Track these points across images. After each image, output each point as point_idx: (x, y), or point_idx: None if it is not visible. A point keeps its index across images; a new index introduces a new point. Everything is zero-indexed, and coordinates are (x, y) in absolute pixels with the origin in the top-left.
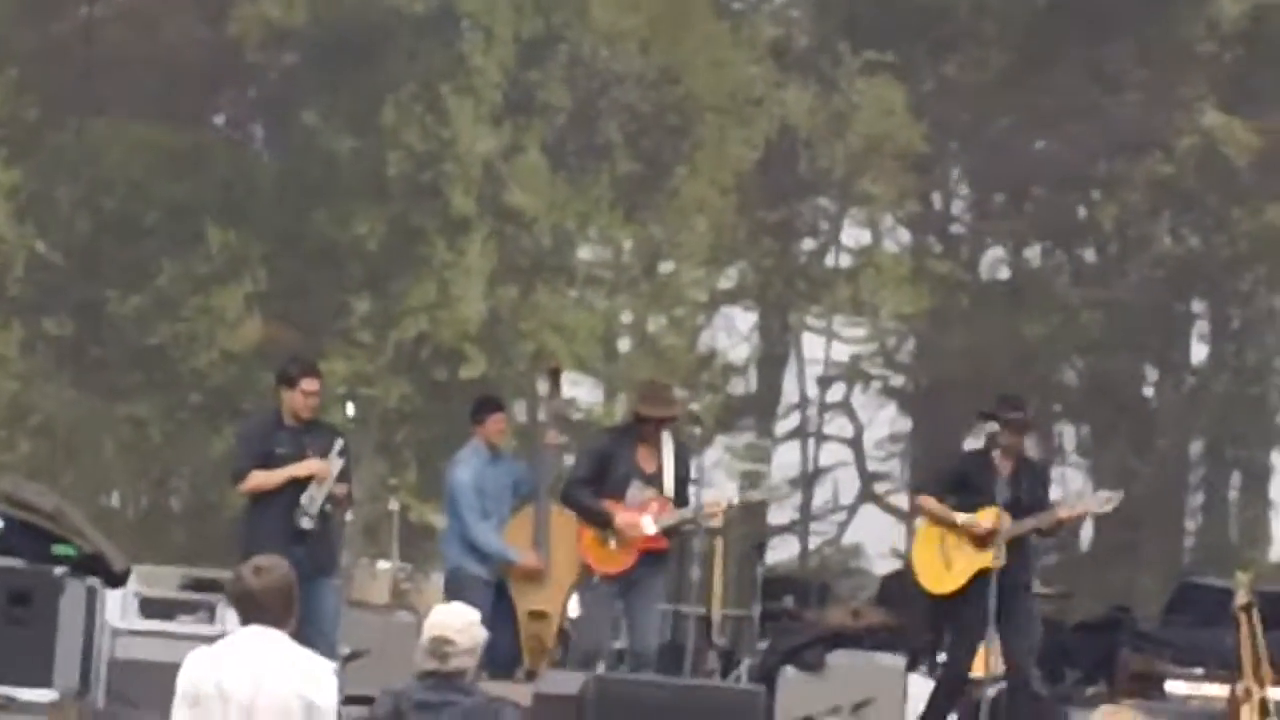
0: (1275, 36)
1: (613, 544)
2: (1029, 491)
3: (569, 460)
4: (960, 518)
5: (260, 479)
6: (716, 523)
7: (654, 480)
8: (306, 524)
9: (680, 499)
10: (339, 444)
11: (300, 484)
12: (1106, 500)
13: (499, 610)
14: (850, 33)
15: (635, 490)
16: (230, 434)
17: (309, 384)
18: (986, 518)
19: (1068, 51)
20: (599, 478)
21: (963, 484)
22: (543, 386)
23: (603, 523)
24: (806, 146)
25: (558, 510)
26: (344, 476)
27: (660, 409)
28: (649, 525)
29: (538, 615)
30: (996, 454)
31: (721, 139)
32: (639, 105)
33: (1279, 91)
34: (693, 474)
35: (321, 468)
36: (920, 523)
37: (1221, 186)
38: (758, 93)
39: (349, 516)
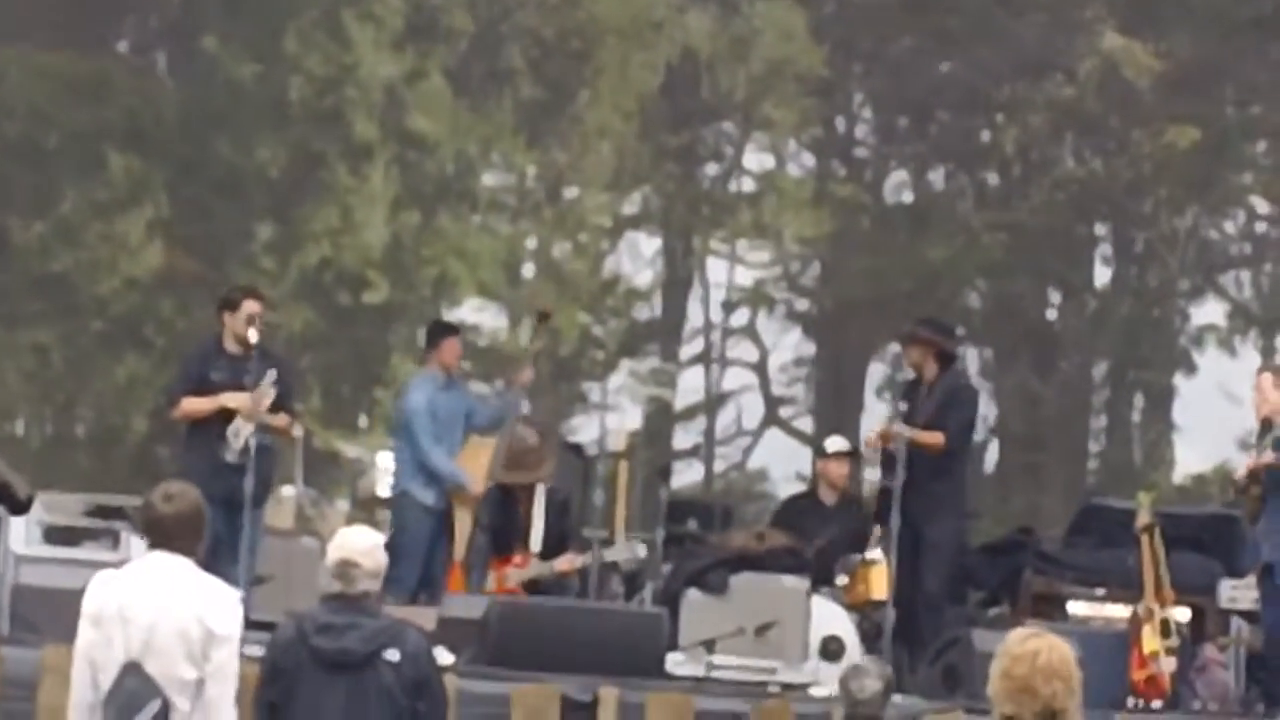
0: None
1: None
2: (923, 409)
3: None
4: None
5: (190, 406)
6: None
7: (524, 535)
8: (230, 458)
9: (549, 551)
10: (271, 375)
11: (232, 414)
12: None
13: (442, 535)
14: None
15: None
16: (133, 360)
17: (251, 305)
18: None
19: None
20: (492, 546)
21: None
22: (529, 327)
23: None
24: (708, 71)
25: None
26: (284, 406)
27: (515, 476)
28: (513, 578)
29: None
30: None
31: (624, 63)
32: (541, 30)
33: (1179, 14)
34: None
35: (246, 402)
36: None
37: (1123, 109)
38: (659, 16)
39: (299, 433)
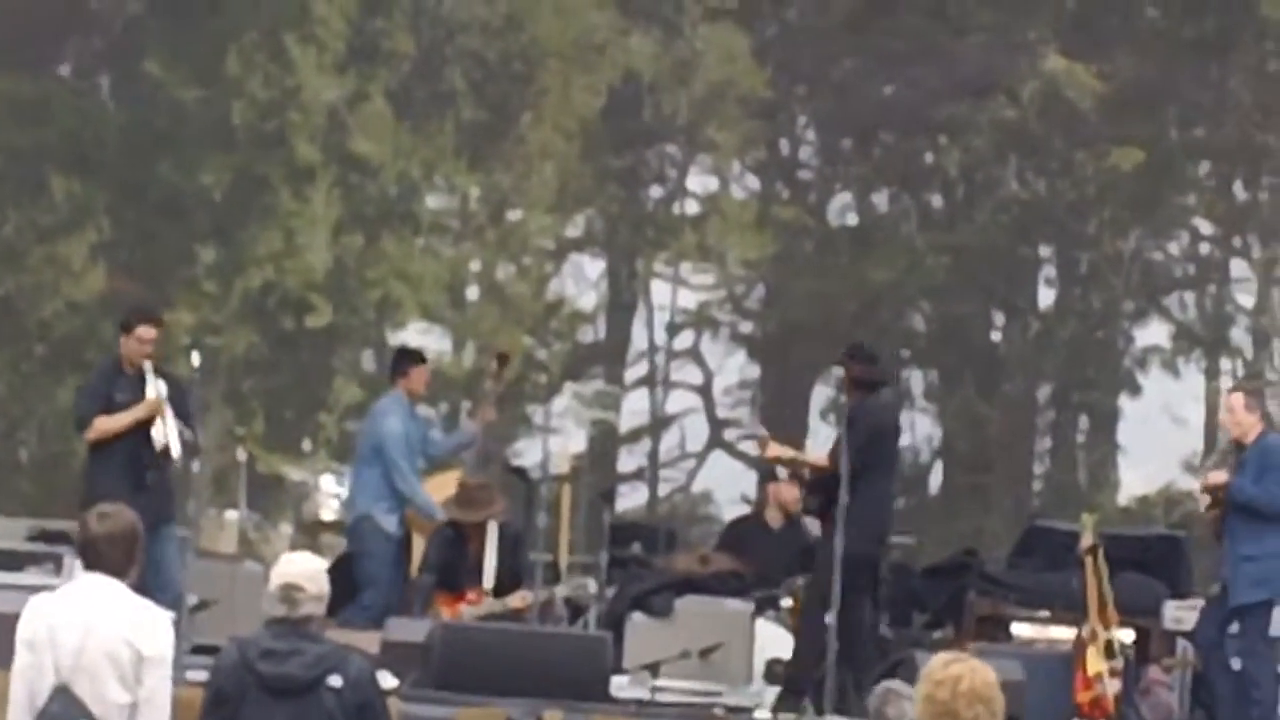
0: None
1: None
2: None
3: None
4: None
5: (104, 424)
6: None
7: (477, 572)
8: (177, 451)
9: (502, 586)
10: (160, 384)
11: (142, 432)
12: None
13: (398, 563)
14: None
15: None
16: (75, 384)
17: (145, 331)
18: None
19: None
20: (443, 585)
21: None
22: (491, 368)
23: None
24: (651, 93)
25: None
26: (186, 423)
27: (466, 514)
28: (466, 615)
29: None
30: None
31: (566, 86)
32: (483, 52)
33: (1122, 35)
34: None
35: (152, 403)
36: None
37: (1066, 130)
38: (601, 39)
39: (196, 466)
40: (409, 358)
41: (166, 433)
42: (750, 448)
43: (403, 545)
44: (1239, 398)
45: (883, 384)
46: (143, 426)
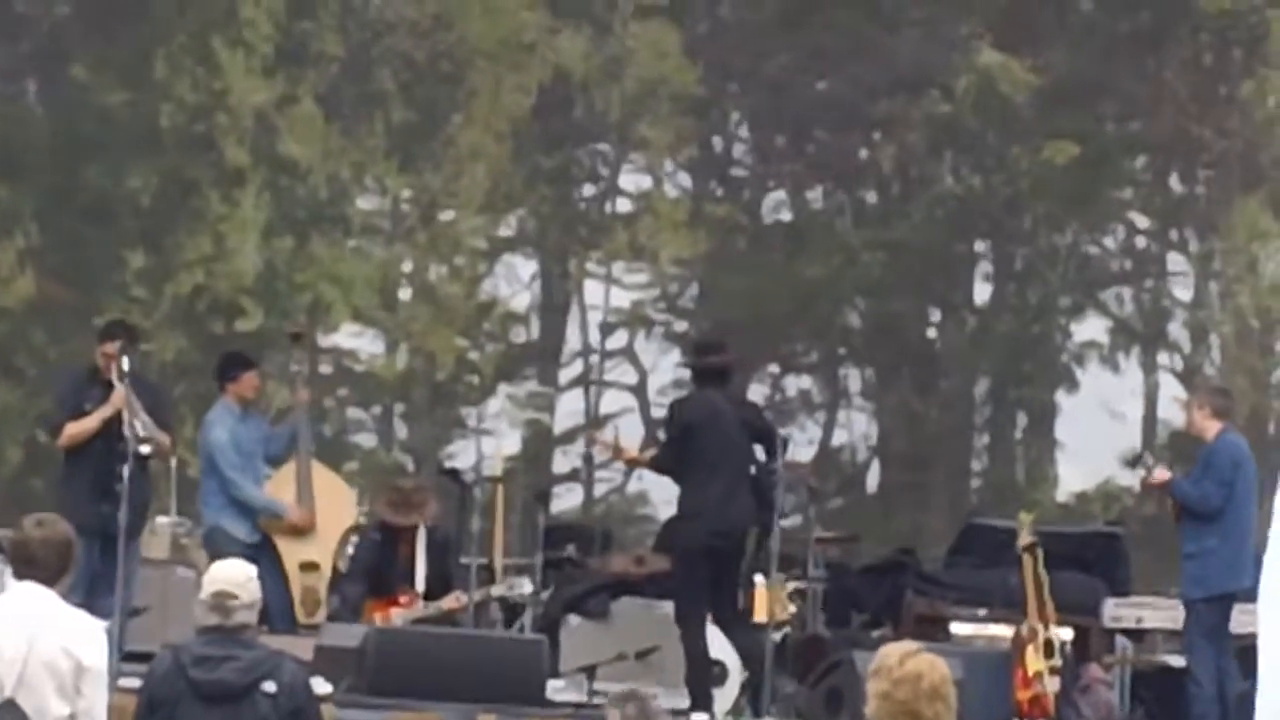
0: None
1: None
2: None
3: (352, 413)
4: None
5: (74, 429)
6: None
7: (408, 575)
8: (146, 450)
9: (433, 590)
10: (125, 362)
11: (113, 446)
12: None
13: (266, 568)
14: None
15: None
16: (5, 391)
17: (108, 347)
18: None
19: None
20: (372, 590)
21: None
22: (288, 350)
23: None
24: (582, 91)
25: (317, 463)
26: (166, 427)
27: (400, 517)
28: (398, 619)
29: (309, 566)
30: None
31: (496, 86)
32: (412, 53)
33: (1056, 30)
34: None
35: (118, 400)
36: None
37: (1001, 125)
38: (530, 38)
39: (173, 465)
40: (236, 363)
41: (137, 427)
42: (598, 452)
43: (265, 548)
44: (1191, 400)
45: (720, 373)
46: (110, 428)
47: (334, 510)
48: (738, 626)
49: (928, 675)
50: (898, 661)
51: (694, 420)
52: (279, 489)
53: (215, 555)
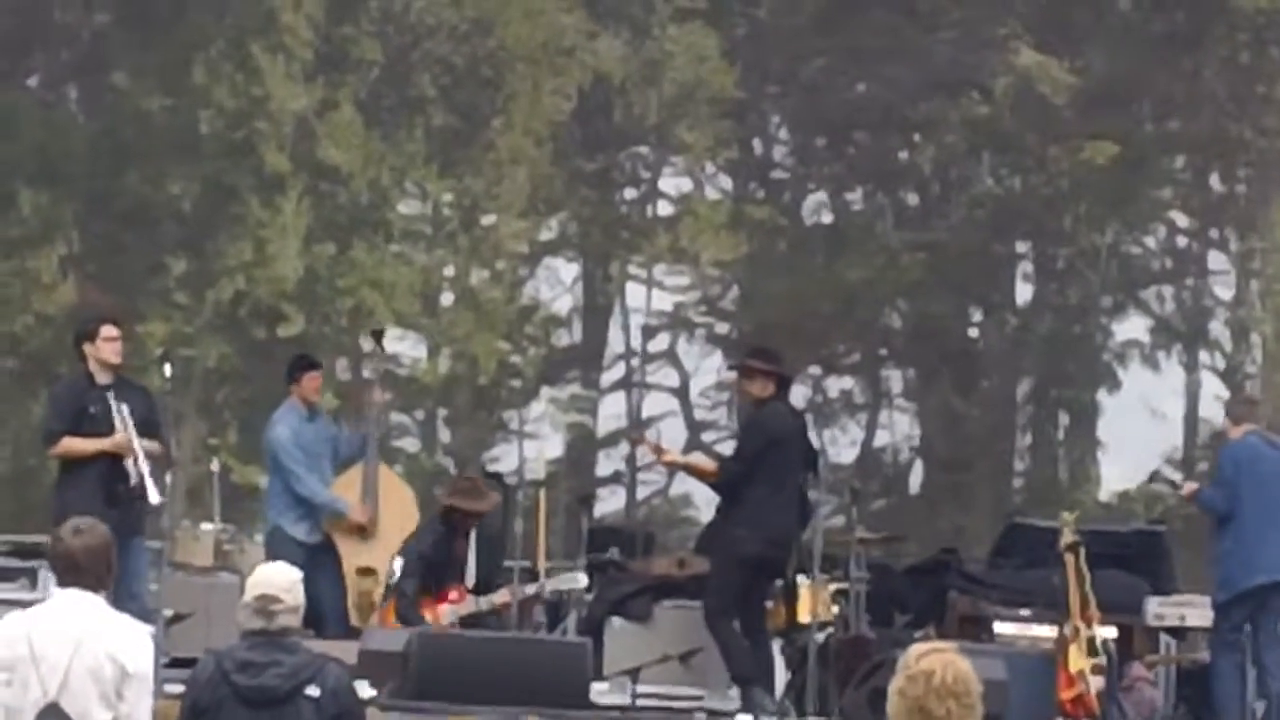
0: None
1: None
2: None
3: (395, 417)
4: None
5: (70, 444)
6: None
7: (460, 569)
8: (156, 498)
9: (481, 588)
10: (124, 408)
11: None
12: None
13: (324, 570)
14: None
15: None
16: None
17: (108, 330)
18: None
19: None
20: (425, 585)
21: None
22: (366, 345)
23: None
24: (621, 95)
25: (385, 468)
26: (154, 433)
27: (472, 503)
28: (448, 615)
29: (366, 571)
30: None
31: (535, 90)
32: (452, 58)
33: (1093, 30)
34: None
35: (122, 441)
36: None
37: (1040, 126)
38: (570, 42)
39: (168, 477)
40: (301, 364)
41: (141, 473)
42: (643, 454)
43: (324, 550)
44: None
45: (786, 385)
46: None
47: (397, 516)
48: (760, 638)
49: (939, 673)
50: (914, 659)
51: (780, 434)
52: (344, 491)
53: (273, 556)
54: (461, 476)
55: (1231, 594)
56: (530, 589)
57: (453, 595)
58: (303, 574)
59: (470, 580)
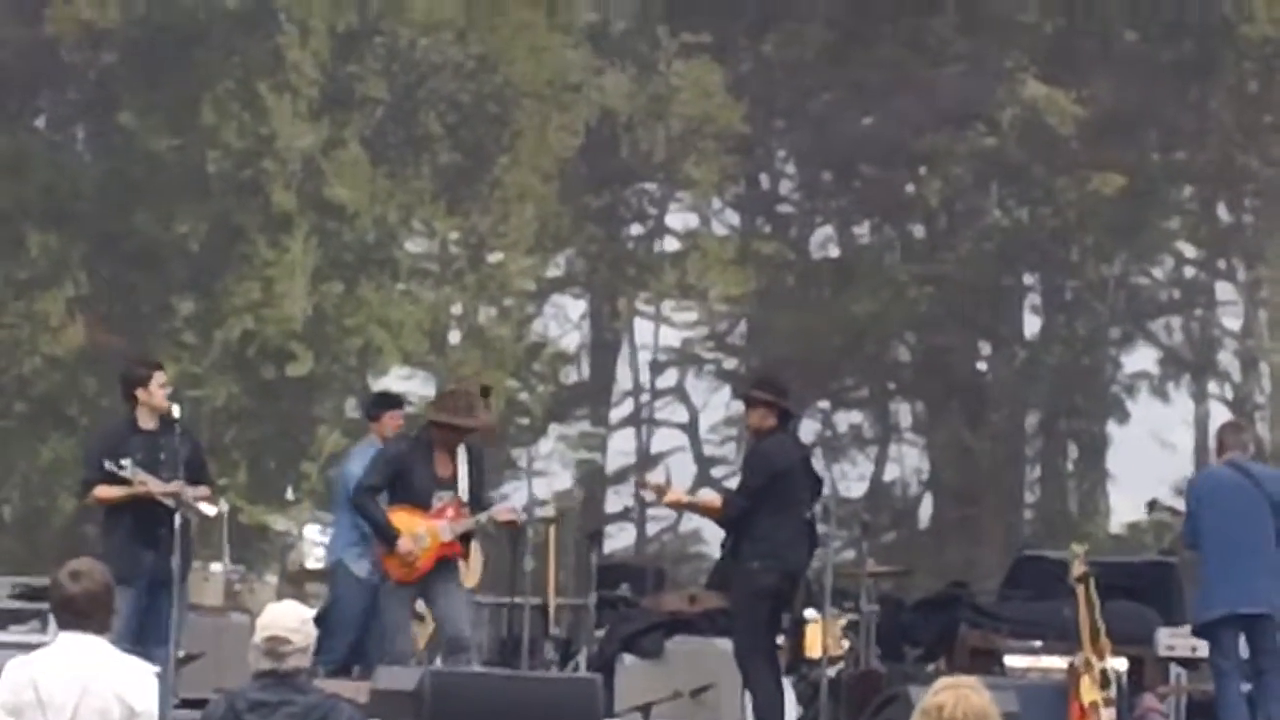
0: (1094, 5)
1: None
2: None
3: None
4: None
5: (103, 493)
6: (510, 526)
7: (449, 485)
8: (209, 510)
9: (475, 503)
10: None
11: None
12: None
13: (382, 605)
14: (667, 15)
15: (436, 499)
16: (57, 441)
17: (161, 376)
18: None
19: (888, 24)
20: (389, 484)
21: None
22: (480, 406)
23: (387, 540)
24: (627, 131)
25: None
26: (201, 479)
27: (458, 418)
28: (445, 532)
29: (414, 617)
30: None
31: (542, 126)
32: (458, 95)
33: (1099, 60)
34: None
35: (159, 487)
36: None
37: (1046, 157)
38: (576, 79)
39: (211, 511)
40: (383, 402)
41: (188, 517)
42: (648, 495)
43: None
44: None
45: (789, 418)
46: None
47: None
48: (774, 671)
49: (950, 707)
50: (932, 692)
51: (783, 466)
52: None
53: (334, 590)
54: (450, 392)
55: (1206, 619)
56: (521, 509)
57: (449, 512)
58: (361, 611)
59: (465, 494)
